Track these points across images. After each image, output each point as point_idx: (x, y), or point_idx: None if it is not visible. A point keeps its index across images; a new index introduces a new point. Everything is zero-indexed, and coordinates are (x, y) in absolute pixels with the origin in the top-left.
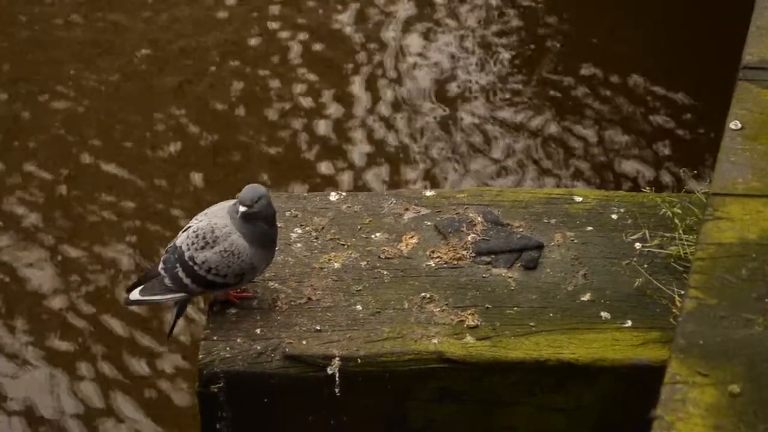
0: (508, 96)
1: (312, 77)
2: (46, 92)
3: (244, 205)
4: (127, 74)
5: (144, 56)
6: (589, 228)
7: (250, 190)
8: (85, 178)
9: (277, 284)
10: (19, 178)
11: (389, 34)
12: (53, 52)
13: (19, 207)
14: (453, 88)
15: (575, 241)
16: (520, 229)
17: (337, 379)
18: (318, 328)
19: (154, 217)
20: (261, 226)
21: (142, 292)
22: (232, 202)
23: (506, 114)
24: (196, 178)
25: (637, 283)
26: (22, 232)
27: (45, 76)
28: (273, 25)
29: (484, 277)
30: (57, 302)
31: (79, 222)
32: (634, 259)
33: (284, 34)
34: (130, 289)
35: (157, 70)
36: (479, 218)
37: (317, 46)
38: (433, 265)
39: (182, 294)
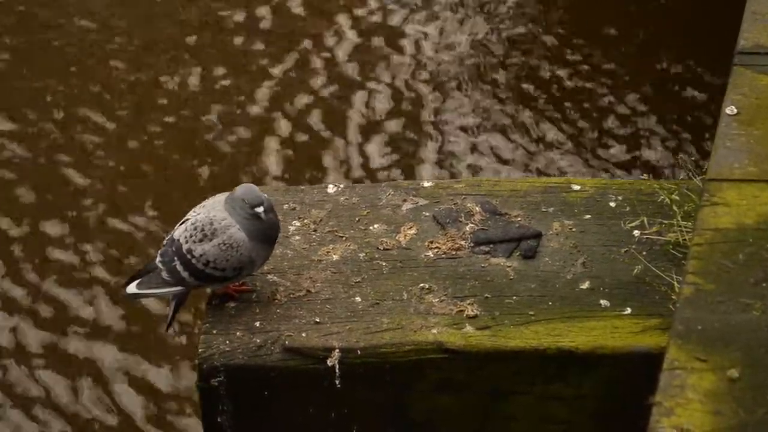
0: (503, 87)
1: (305, 70)
2: None
3: (263, 208)
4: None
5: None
6: (588, 216)
7: (254, 192)
8: (78, 163)
9: (275, 277)
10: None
11: (384, 26)
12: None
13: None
14: (447, 79)
15: (573, 229)
16: (518, 219)
17: (337, 370)
18: (317, 320)
19: (149, 210)
20: (263, 225)
21: (139, 286)
22: (228, 194)
23: (501, 105)
24: (192, 171)
25: (636, 271)
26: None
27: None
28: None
29: (482, 267)
30: (53, 295)
31: (74, 213)
32: (633, 246)
33: (275, 24)
34: (127, 283)
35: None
36: (477, 208)
37: (311, 41)
38: (432, 255)
39: (180, 287)
